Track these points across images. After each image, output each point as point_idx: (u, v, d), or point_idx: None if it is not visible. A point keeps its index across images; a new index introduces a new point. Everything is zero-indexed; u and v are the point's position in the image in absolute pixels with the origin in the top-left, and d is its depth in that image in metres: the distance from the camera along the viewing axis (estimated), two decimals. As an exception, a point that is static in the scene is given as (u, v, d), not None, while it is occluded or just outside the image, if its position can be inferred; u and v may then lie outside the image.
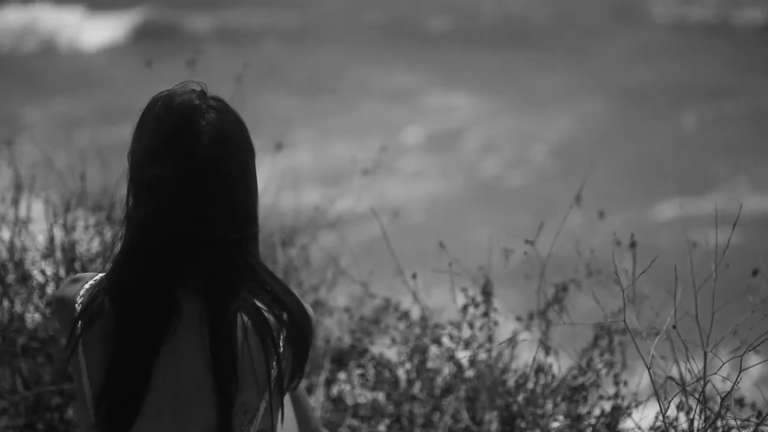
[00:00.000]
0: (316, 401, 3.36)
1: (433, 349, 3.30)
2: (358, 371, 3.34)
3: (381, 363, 3.27)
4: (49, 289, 3.36)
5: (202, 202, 1.86)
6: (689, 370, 2.49)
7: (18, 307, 3.35)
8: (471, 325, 3.23)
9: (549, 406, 3.08)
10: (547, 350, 3.14)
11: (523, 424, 3.07)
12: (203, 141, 1.85)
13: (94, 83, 14.46)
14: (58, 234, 3.45)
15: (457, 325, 3.25)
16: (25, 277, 3.37)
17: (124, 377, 1.86)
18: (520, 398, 3.10)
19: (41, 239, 3.48)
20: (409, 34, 17.61)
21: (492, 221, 9.38)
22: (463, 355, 3.23)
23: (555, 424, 3.06)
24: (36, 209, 3.60)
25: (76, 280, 1.97)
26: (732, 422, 2.44)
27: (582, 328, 3.00)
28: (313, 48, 16.63)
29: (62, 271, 3.41)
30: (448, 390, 3.18)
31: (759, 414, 2.60)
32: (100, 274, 1.96)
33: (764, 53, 16.04)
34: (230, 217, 1.88)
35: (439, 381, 3.23)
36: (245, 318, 1.88)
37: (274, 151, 3.98)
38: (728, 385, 2.39)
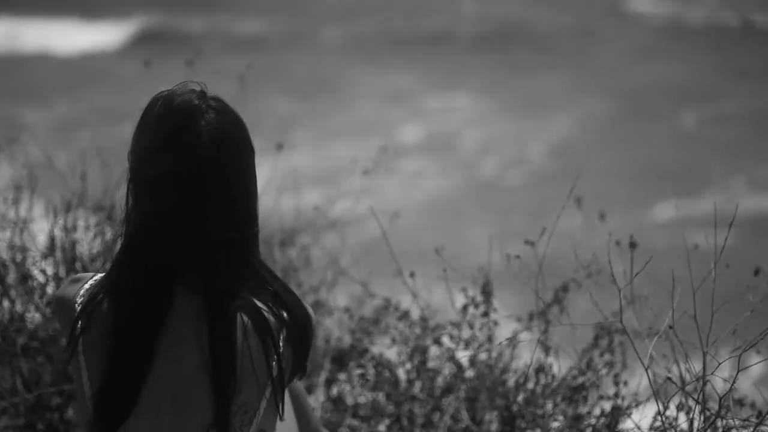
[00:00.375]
0: (316, 401, 3.36)
1: (433, 349, 3.30)
2: (358, 371, 3.34)
3: (381, 363, 3.27)
4: (50, 289, 3.35)
5: (202, 202, 1.86)
6: (689, 371, 2.50)
7: (18, 307, 3.35)
8: (471, 326, 3.23)
9: (549, 406, 3.08)
10: (547, 350, 3.14)
11: (523, 424, 3.07)
12: (203, 141, 1.85)
13: (95, 84, 14.47)
14: (59, 234, 3.45)
15: (457, 325, 3.25)
16: (25, 277, 3.36)
17: (121, 375, 1.86)
18: (520, 398, 3.10)
19: (42, 239, 3.48)
20: (408, 35, 17.61)
21: (491, 221, 9.38)
22: (463, 355, 3.22)
23: (555, 424, 3.06)
24: (36, 209, 3.60)
25: (76, 280, 1.97)
26: (732, 422, 2.44)
27: (582, 329, 3.00)
28: (312, 50, 16.64)
29: (62, 271, 3.40)
30: (448, 390, 3.18)
31: (759, 414, 2.60)
32: (100, 274, 1.96)
33: (763, 54, 16.05)
34: (230, 217, 1.88)
35: (439, 381, 3.23)
36: (245, 318, 1.87)
37: (274, 152, 3.99)
38: (728, 385, 2.40)
